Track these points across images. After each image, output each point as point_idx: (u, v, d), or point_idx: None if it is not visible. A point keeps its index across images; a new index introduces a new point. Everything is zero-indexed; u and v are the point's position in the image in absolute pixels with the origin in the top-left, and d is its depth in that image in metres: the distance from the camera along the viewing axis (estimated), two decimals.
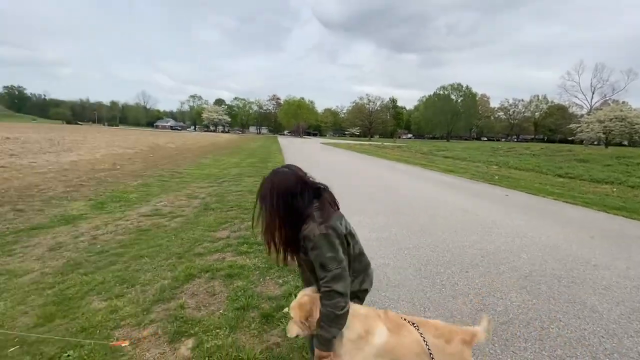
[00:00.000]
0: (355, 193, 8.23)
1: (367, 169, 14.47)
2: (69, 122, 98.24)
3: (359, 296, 1.67)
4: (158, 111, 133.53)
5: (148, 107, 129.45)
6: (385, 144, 48.53)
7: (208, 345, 2.30)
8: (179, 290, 3.12)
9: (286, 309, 2.76)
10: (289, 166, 1.56)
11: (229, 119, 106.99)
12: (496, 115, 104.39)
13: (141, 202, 6.82)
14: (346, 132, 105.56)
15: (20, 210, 5.83)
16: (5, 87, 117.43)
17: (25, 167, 10.22)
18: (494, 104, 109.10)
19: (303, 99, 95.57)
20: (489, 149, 30.23)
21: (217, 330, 2.47)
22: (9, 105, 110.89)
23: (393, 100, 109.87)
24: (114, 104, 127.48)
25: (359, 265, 1.61)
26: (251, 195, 7.51)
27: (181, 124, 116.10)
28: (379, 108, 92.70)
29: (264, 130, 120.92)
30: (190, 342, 2.38)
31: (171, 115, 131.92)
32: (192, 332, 2.48)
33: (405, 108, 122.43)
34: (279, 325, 2.57)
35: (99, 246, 4.27)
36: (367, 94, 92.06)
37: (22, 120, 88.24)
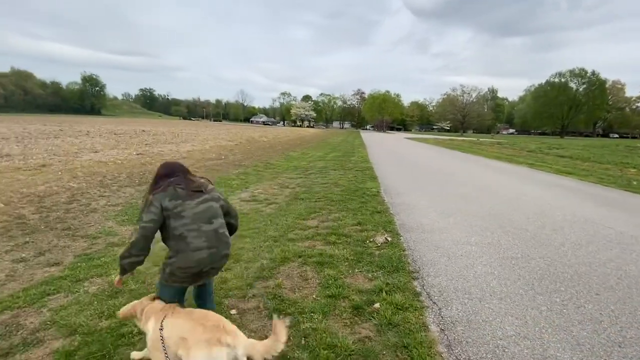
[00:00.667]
0: (446, 192, 7.64)
1: (460, 167, 13.28)
2: (184, 118, 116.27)
3: (174, 273, 1.94)
4: (253, 108, 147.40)
5: (245, 104, 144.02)
6: (481, 139, 43.77)
7: (304, 327, 2.42)
8: (275, 271, 3.37)
9: (377, 305, 2.72)
10: (173, 162, 2.23)
11: (315, 115, 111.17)
12: (634, 107, 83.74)
13: (241, 189, 7.61)
14: (434, 127, 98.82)
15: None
16: (140, 90, 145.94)
17: (155, 154, 12.46)
18: (632, 92, 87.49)
19: (388, 92, 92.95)
20: (622, 148, 24.48)
21: (312, 314, 2.58)
22: (143, 104, 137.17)
23: (492, 91, 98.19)
24: (218, 102, 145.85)
25: (175, 245, 1.92)
26: (336, 188, 7.66)
27: (272, 119, 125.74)
28: (474, 100, 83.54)
29: (347, 125, 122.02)
30: (287, 321, 2.53)
31: (263, 111, 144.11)
32: (289, 311, 2.64)
33: (507, 99, 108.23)
34: (370, 319, 2.54)
35: None
36: (460, 85, 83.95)
37: (151, 117, 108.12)
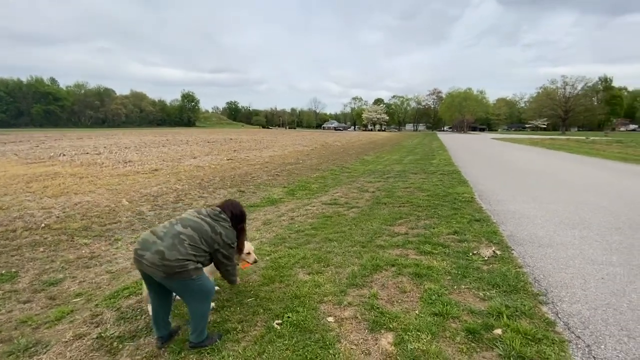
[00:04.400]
0: (560, 199, 6.45)
1: (572, 169, 11.20)
2: (263, 127, 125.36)
3: None
4: (325, 114, 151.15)
5: (317, 111, 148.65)
6: (591, 137, 36.86)
7: (411, 347, 2.15)
8: (368, 279, 3.15)
9: (498, 331, 2.29)
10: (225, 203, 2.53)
11: (387, 118, 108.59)
12: None
13: (321, 192, 7.64)
14: (526, 125, 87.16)
15: (242, 192, 7.65)
16: (227, 103, 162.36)
17: (242, 160, 13.51)
18: None
19: (470, 89, 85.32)
20: None
21: (418, 333, 2.29)
22: (228, 115, 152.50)
23: (605, 80, 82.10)
24: (293, 110, 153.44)
25: None
26: (421, 193, 7.12)
27: (343, 124, 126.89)
28: (580, 92, 70.90)
29: (421, 127, 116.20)
30: (390, 337, 2.29)
31: (335, 117, 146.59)
32: (390, 326, 2.39)
33: (626, 89, 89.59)
34: (492, 348, 2.13)
35: (296, 226, 4.97)
36: (562, 76, 71.36)
37: (235, 127, 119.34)
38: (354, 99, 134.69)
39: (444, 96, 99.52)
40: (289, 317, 2.53)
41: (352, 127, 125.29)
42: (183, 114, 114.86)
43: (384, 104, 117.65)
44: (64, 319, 2.64)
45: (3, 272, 3.38)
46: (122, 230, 4.88)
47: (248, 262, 2.91)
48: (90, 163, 11.38)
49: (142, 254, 2.01)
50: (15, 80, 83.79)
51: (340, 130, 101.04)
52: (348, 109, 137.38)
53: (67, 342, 2.33)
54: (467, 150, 21.30)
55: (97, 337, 2.37)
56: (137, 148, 18.29)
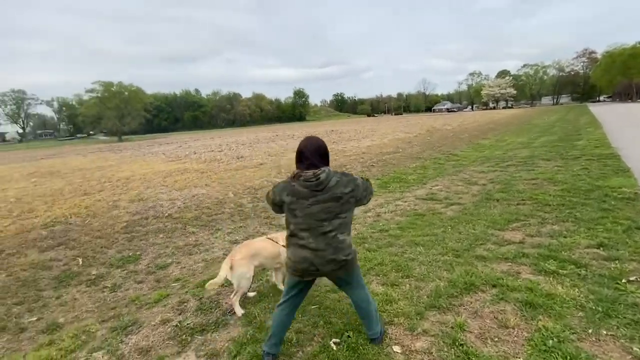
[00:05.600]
0: None
1: None
2: (368, 115, 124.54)
3: (287, 263, 2.03)
4: (436, 95, 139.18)
5: (427, 93, 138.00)
6: None
7: None
8: (457, 301, 2.53)
9: None
10: (308, 142, 1.98)
11: (514, 92, 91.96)
12: None
13: (418, 184, 6.88)
14: None
15: None
16: (333, 95, 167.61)
17: (339, 151, 13.57)
18: None
19: None
20: None
21: None
22: (335, 107, 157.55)
23: None
24: (399, 95, 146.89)
25: (289, 237, 1.97)
26: (552, 186, 5.57)
27: (458, 105, 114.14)
28: None
29: (564, 99, 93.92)
30: None
31: (447, 97, 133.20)
32: None
33: None
34: None
35: (381, 224, 4.54)
36: None
37: (341, 118, 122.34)
38: (471, 74, 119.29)
39: (599, 57, 77.59)
40: (348, 336, 2.22)
41: (470, 107, 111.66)
42: (295, 110, 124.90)
43: (511, 76, 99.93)
44: (160, 302, 3.01)
45: (130, 254, 4.18)
46: (224, 221, 5.43)
47: None
48: (212, 160, 13.43)
49: (314, 271, 1.92)
50: (172, 94, 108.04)
51: (453, 111, 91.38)
52: (464, 87, 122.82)
53: (154, 325, 2.63)
54: (634, 125, 15.94)
55: (176, 326, 2.59)
56: (251, 144, 20.69)
